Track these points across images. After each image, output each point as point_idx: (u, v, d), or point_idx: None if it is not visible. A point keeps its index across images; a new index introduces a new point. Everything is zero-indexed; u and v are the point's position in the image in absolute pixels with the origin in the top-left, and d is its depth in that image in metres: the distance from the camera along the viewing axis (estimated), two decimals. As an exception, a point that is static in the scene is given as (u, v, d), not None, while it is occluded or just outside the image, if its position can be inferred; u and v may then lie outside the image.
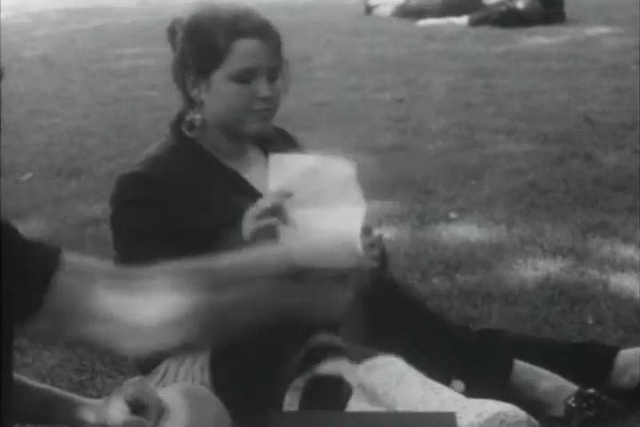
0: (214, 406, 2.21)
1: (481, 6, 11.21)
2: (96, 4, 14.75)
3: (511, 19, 10.60)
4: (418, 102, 7.17)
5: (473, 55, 9.08)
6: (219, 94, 2.53)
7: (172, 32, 2.64)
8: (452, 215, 4.51)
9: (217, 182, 2.58)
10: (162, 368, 2.61)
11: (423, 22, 11.24)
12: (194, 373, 2.57)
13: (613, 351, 2.78)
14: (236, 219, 2.37)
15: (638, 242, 4.01)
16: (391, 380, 2.49)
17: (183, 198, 2.50)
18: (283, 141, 2.75)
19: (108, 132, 6.44)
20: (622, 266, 3.76)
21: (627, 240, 4.04)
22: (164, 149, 2.59)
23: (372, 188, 4.95)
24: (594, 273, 3.71)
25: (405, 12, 11.75)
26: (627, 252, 3.92)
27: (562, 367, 2.72)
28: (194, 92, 2.56)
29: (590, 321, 3.29)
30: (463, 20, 11.00)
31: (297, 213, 2.19)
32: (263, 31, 2.54)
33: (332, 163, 2.29)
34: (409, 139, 6.05)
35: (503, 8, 10.79)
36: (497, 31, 10.39)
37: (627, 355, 2.77)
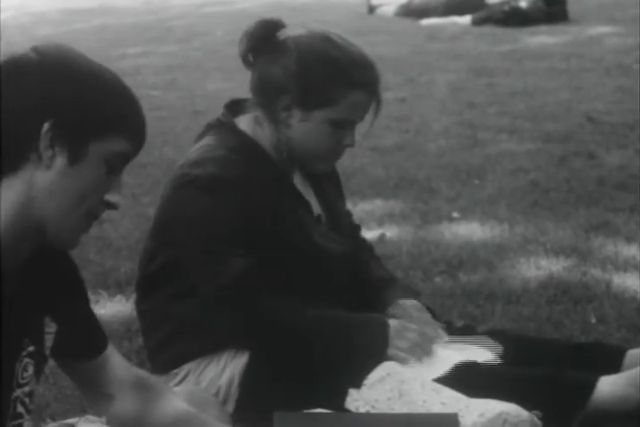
0: (215, 409, 2.23)
1: (484, 5, 11.20)
2: (98, 3, 14.75)
3: (514, 18, 10.60)
4: (420, 102, 7.18)
5: (475, 54, 9.09)
6: (311, 131, 2.52)
7: (283, 46, 2.51)
8: (455, 214, 4.51)
9: (281, 188, 2.60)
10: (182, 371, 2.59)
11: (426, 22, 11.24)
12: (220, 383, 2.55)
13: (621, 352, 2.76)
14: (297, 225, 2.56)
15: (641, 241, 4.01)
16: (393, 393, 2.48)
17: (258, 201, 2.51)
18: None
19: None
20: (625, 265, 3.76)
21: (629, 239, 4.04)
22: (230, 150, 2.55)
23: (375, 187, 4.98)
24: (596, 272, 3.71)
25: (408, 12, 11.75)
26: (629, 251, 3.92)
27: (568, 369, 2.70)
28: (283, 115, 2.52)
29: (593, 320, 3.28)
30: (466, 19, 11.00)
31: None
32: (375, 86, 2.54)
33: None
34: (411, 138, 6.05)
35: (506, 7, 10.78)
36: (500, 30, 10.39)
37: (635, 355, 2.74)
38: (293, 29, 2.56)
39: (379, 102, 2.56)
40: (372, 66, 2.55)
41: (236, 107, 2.64)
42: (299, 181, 2.67)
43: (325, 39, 2.52)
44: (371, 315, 2.63)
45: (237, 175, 2.49)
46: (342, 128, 2.53)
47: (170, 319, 2.60)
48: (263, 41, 2.51)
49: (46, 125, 1.59)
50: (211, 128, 2.62)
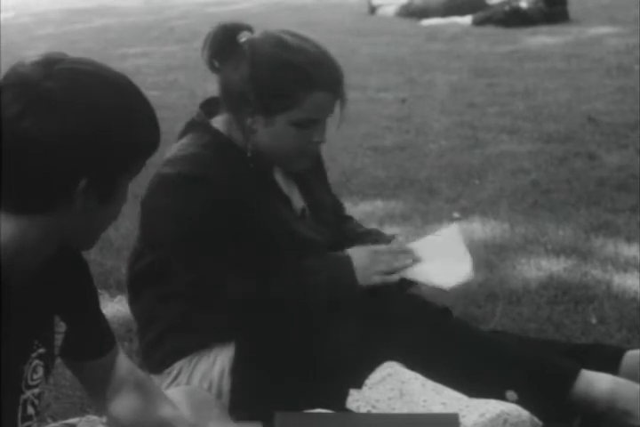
0: (216, 408, 2.23)
1: (484, 6, 11.22)
2: (99, 3, 14.77)
3: (515, 18, 10.61)
4: (421, 102, 7.17)
5: (476, 55, 9.09)
6: (277, 135, 2.51)
7: (242, 51, 2.49)
8: (456, 215, 4.51)
9: (257, 183, 2.59)
10: (175, 369, 2.60)
11: (427, 22, 11.25)
12: (212, 376, 2.56)
13: (620, 352, 2.76)
14: (276, 220, 2.55)
15: (641, 242, 4.01)
16: (394, 393, 2.48)
17: (230, 196, 2.50)
18: None
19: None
20: (625, 266, 3.76)
21: (630, 240, 4.04)
22: (202, 147, 2.55)
23: (375, 187, 4.98)
24: (597, 273, 3.71)
25: (409, 12, 11.77)
26: (630, 251, 3.91)
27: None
28: (248, 121, 2.51)
29: (594, 321, 3.28)
30: (467, 19, 11.00)
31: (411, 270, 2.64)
32: (337, 85, 2.50)
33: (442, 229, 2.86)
34: (412, 138, 6.05)
35: (507, 8, 10.79)
36: (500, 31, 10.39)
37: (633, 356, 2.74)
38: (253, 33, 2.53)
39: (343, 99, 2.52)
40: (330, 64, 2.50)
41: (214, 106, 2.63)
42: (280, 177, 2.66)
43: (277, 42, 2.48)
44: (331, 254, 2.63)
45: (207, 172, 2.49)
46: (308, 128, 2.51)
47: (158, 320, 2.62)
48: (224, 45, 2.49)
49: (83, 183, 1.57)
50: (188, 127, 2.63)
